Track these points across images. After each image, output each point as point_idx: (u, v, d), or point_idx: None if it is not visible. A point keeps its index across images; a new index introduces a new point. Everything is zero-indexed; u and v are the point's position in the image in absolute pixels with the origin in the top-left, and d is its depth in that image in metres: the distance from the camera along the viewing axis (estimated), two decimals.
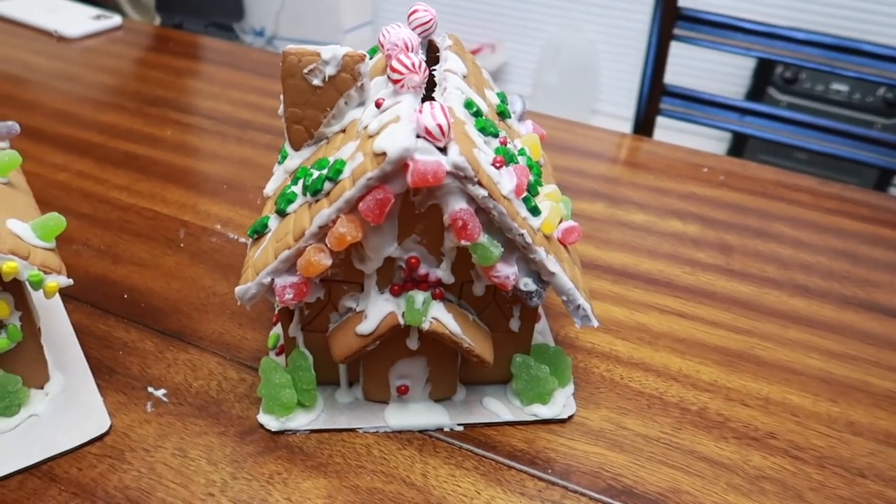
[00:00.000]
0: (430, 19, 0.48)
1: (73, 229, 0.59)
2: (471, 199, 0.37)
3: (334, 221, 0.37)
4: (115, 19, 1.01)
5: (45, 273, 0.39)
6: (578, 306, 0.42)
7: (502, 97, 0.50)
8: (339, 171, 0.38)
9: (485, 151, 0.39)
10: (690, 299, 0.57)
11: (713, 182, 0.74)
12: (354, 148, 0.39)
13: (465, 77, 0.46)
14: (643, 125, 0.99)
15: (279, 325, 0.47)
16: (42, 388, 0.44)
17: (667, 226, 0.66)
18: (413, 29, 0.48)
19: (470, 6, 2.10)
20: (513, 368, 0.44)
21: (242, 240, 0.59)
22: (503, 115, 0.48)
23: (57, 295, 0.51)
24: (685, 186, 0.72)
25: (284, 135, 0.45)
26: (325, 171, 0.39)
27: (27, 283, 0.39)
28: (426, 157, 0.35)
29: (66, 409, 0.43)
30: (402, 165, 0.36)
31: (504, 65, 2.12)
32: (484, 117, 0.42)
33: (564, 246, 0.43)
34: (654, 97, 0.99)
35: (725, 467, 0.43)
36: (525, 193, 0.40)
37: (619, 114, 1.98)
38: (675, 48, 0.97)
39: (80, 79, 0.85)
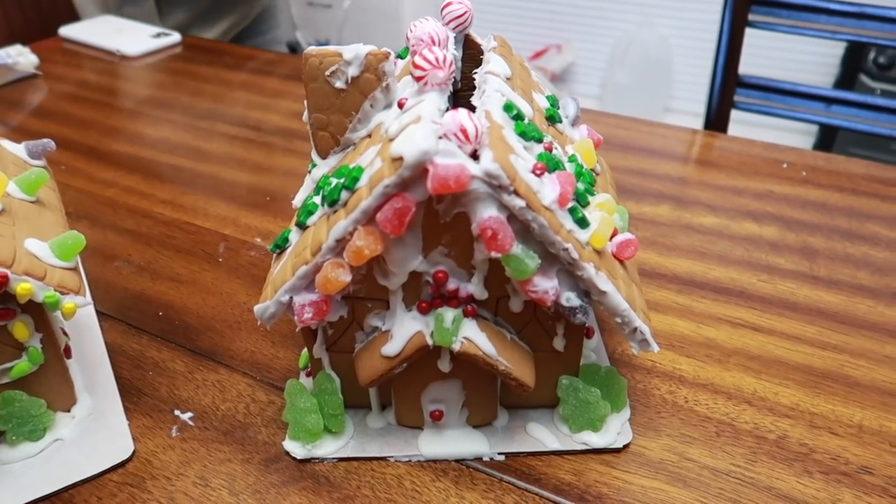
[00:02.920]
0: (465, 12, 0.45)
1: (116, 245, 0.58)
2: (502, 206, 0.33)
3: (351, 234, 0.34)
4: (175, 37, 1.02)
5: (63, 293, 0.38)
6: (635, 329, 0.37)
7: (553, 101, 0.46)
8: (357, 179, 0.35)
9: (524, 158, 0.35)
10: (767, 311, 0.50)
11: (794, 179, 0.66)
12: (374, 153, 0.36)
13: (508, 79, 0.42)
14: (716, 120, 0.92)
15: None
16: (69, 411, 0.42)
17: (740, 228, 0.59)
18: (447, 23, 0.44)
19: (535, 7, 2.05)
20: (559, 392, 0.40)
21: None
22: (553, 119, 0.44)
23: (93, 314, 0.51)
24: (762, 184, 0.66)
25: (311, 141, 0.42)
26: (342, 180, 0.36)
27: (44, 304, 0.37)
28: (448, 161, 0.32)
29: (92, 434, 0.42)
30: (421, 170, 0.32)
31: (571, 65, 2.05)
32: (526, 121, 0.38)
33: (621, 262, 0.39)
34: (728, 89, 0.91)
35: None
36: (571, 203, 0.36)
37: (694, 111, 1.88)
38: (753, 37, 0.89)
39: (135, 95, 0.86)
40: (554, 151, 0.39)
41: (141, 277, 0.55)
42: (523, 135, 0.37)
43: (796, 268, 0.55)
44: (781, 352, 0.47)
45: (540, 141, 0.38)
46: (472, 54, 0.46)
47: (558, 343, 0.38)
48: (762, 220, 0.60)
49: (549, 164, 0.36)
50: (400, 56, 0.47)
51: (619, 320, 0.37)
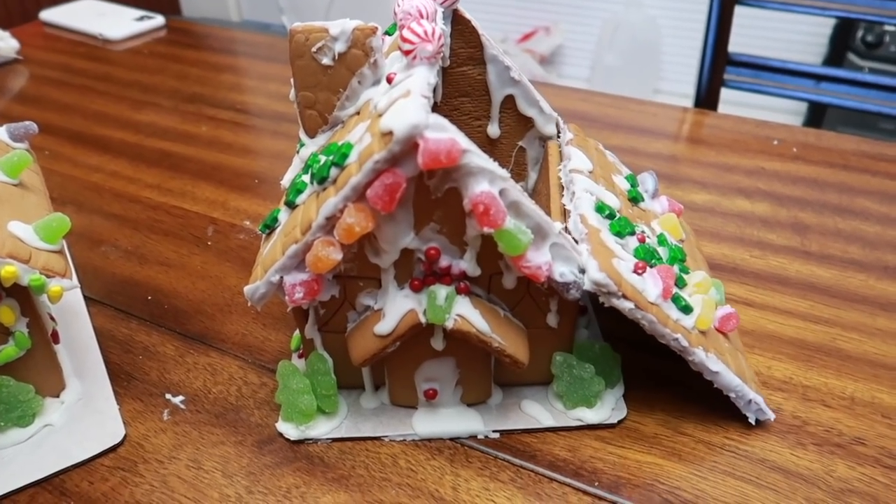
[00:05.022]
0: None
1: (103, 230, 0.58)
2: (494, 180, 0.33)
3: (342, 211, 0.34)
4: (159, 19, 1.00)
5: (48, 277, 0.37)
6: (749, 401, 0.39)
7: (632, 180, 0.47)
8: (346, 156, 0.34)
9: (624, 259, 0.37)
10: (760, 286, 0.50)
11: (785, 155, 0.66)
12: (364, 129, 0.35)
13: (591, 172, 0.43)
14: (706, 99, 0.91)
15: None
16: (58, 396, 0.42)
17: (732, 205, 0.59)
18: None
19: None
20: (553, 369, 0.40)
21: None
22: (636, 200, 0.45)
23: (81, 299, 0.50)
24: (753, 161, 0.66)
25: (298, 122, 0.42)
26: (331, 157, 0.35)
27: (29, 287, 0.37)
28: (438, 135, 0.31)
29: (81, 419, 0.41)
30: (411, 145, 0.31)
31: (560, 47, 2.04)
32: (618, 216, 0.40)
33: (724, 334, 0.40)
34: (718, 67, 0.91)
35: (804, 479, 0.37)
36: (674, 292, 0.38)
37: (683, 91, 1.88)
38: (741, 16, 0.89)
39: (119, 79, 0.85)
40: (647, 241, 0.40)
41: (129, 262, 0.54)
42: (619, 233, 0.39)
43: (788, 243, 0.55)
44: (774, 326, 0.47)
45: (633, 233, 0.40)
46: (460, 30, 0.46)
47: (552, 319, 0.38)
48: (754, 197, 0.60)
49: (648, 259, 0.38)
50: (388, 32, 0.46)
51: (732, 395, 0.39)
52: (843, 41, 1.59)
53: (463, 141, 0.32)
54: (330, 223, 0.34)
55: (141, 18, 1.01)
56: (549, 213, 0.43)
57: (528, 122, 0.49)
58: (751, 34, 1.61)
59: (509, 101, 0.48)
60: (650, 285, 0.37)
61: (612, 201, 0.41)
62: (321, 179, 0.35)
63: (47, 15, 1.02)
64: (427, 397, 0.40)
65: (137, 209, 0.60)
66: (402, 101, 0.33)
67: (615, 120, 0.73)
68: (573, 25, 2.02)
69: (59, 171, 0.66)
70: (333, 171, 0.35)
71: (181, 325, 0.48)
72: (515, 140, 0.50)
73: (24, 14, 1.37)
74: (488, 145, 0.51)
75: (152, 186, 0.63)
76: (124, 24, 0.98)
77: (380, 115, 0.34)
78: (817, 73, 0.90)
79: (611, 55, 1.89)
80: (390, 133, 0.31)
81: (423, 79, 0.35)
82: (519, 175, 0.51)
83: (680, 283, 0.39)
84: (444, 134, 0.31)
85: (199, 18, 1.96)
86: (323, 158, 0.37)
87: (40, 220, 0.39)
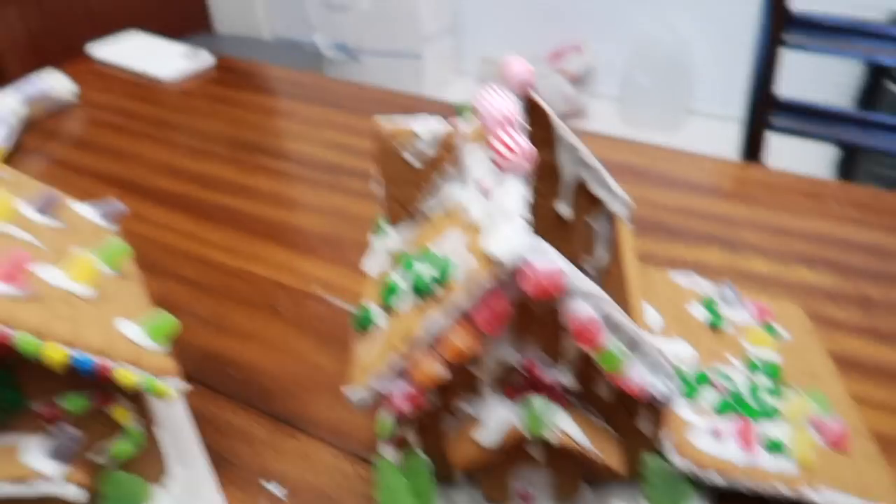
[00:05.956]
0: (528, 76, 0.45)
1: (179, 297, 0.59)
2: (593, 300, 0.34)
3: (447, 330, 0.35)
4: (205, 56, 1.02)
5: (160, 377, 0.39)
6: None
7: (709, 305, 0.48)
8: (447, 273, 0.35)
9: (700, 426, 0.40)
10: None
11: (843, 218, 0.67)
12: (460, 241, 0.36)
13: (662, 330, 0.46)
14: (751, 147, 0.92)
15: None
16: (162, 483, 0.43)
17: (794, 275, 0.60)
18: (510, 86, 0.44)
19: (552, 5, 2.03)
20: (644, 471, 0.41)
21: (344, 305, 0.57)
22: (716, 326, 0.47)
23: None
24: (810, 223, 0.66)
25: (379, 207, 0.43)
26: (432, 272, 0.36)
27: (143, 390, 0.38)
28: (546, 266, 0.32)
29: None
30: (518, 273, 0.33)
31: (591, 67, 2.04)
32: (689, 375, 0.42)
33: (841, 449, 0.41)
34: (763, 113, 0.92)
35: None
36: (760, 437, 0.40)
37: (716, 113, 1.87)
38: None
39: (174, 124, 0.86)
40: (724, 386, 0.42)
41: (207, 332, 0.55)
42: (690, 395, 0.42)
43: (857, 321, 0.54)
44: None
45: (707, 382, 0.42)
46: (532, 113, 0.46)
47: (642, 424, 0.39)
48: (817, 267, 0.60)
49: (727, 411, 0.40)
50: (458, 112, 0.47)
51: None
52: (878, 69, 1.58)
53: (564, 265, 0.33)
54: (435, 340, 0.35)
55: (188, 55, 1.01)
56: (627, 307, 0.44)
57: (596, 201, 0.50)
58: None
59: (579, 181, 0.49)
60: (732, 448, 0.38)
61: (685, 352, 0.43)
62: (422, 292, 0.37)
63: (96, 50, 1.04)
64: (521, 499, 0.41)
65: (208, 272, 0.62)
66: (505, 228, 0.34)
67: (659, 172, 0.74)
68: (604, 44, 2.02)
69: (127, 228, 0.67)
70: (435, 287, 0.36)
71: (267, 404, 0.49)
72: (584, 218, 0.51)
73: (66, 46, 1.38)
74: (559, 224, 0.52)
75: (220, 248, 0.65)
76: (174, 63, 0.99)
77: (478, 231, 0.35)
78: (862, 119, 0.91)
79: (643, 75, 1.89)
80: (495, 260, 0.32)
81: (520, 195, 0.36)
82: (587, 252, 0.52)
83: (771, 414, 0.40)
84: (547, 261, 0.32)
85: (231, 35, 1.98)
86: (420, 268, 0.38)
87: (148, 321, 0.40)
